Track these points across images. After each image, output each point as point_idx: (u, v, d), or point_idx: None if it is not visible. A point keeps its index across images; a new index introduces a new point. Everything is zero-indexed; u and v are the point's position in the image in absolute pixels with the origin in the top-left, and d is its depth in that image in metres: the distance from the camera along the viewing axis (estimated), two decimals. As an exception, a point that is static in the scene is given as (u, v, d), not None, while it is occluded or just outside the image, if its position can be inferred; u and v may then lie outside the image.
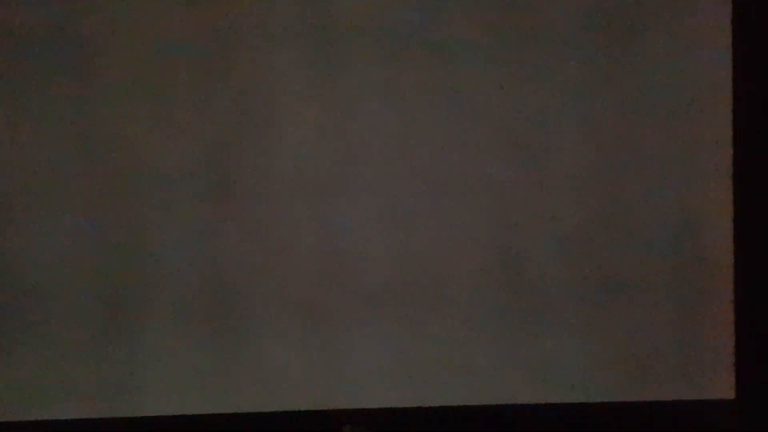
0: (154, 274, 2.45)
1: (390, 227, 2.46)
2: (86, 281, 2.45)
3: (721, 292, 2.46)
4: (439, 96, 2.44)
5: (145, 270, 2.45)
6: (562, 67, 2.44)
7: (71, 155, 2.44)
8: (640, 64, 2.44)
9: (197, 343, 2.47)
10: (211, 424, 2.48)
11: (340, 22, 2.44)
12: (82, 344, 2.46)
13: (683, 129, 2.46)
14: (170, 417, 2.48)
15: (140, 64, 2.44)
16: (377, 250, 2.47)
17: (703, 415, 2.47)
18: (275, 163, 2.45)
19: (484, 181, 2.46)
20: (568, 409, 2.50)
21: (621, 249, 2.47)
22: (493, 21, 2.44)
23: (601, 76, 2.44)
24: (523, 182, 2.46)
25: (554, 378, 2.51)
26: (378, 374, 2.48)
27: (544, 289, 2.49)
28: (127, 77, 2.43)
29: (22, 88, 2.43)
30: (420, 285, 2.48)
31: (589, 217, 2.46)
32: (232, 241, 2.45)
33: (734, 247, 2.45)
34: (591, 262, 2.48)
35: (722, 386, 2.47)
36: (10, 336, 2.42)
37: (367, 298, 2.47)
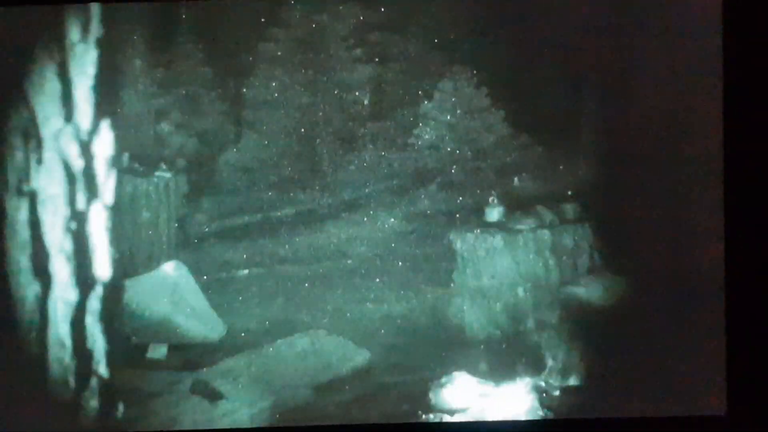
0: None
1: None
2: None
3: (712, 310, 2.52)
4: (431, 96, 2.43)
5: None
6: (558, 71, 2.47)
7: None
8: (632, 73, 2.49)
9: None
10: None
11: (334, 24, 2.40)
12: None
13: (675, 139, 2.52)
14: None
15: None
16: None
17: (694, 431, 2.51)
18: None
19: (481, 184, 2.46)
20: (559, 425, 2.49)
21: (612, 265, 2.51)
22: (491, 26, 2.45)
23: (594, 83, 2.48)
24: (517, 186, 2.47)
25: (546, 393, 2.51)
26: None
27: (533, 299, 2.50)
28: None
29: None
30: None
31: (582, 223, 2.49)
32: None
33: (725, 265, 2.51)
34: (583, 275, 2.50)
35: (714, 403, 2.52)
36: None
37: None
